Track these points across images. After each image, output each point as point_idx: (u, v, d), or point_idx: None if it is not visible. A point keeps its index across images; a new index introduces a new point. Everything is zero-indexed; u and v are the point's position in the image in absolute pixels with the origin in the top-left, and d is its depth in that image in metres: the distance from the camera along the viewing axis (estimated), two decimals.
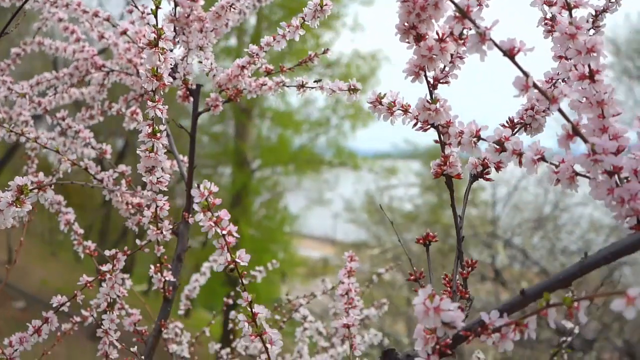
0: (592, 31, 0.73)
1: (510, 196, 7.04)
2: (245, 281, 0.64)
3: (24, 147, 1.28)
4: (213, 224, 0.61)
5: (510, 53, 0.50)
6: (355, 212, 10.84)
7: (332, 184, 12.18)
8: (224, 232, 0.61)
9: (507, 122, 0.68)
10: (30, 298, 7.42)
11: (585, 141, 0.50)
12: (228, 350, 1.33)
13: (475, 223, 7.65)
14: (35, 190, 0.65)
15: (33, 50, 1.31)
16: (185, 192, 0.98)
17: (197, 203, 0.60)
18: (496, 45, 0.49)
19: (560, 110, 0.50)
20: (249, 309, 0.64)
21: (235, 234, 0.62)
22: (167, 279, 0.96)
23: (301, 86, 0.94)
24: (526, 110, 0.68)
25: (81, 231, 1.08)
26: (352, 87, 0.82)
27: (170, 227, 0.89)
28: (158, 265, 0.94)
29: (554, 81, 0.68)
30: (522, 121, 0.68)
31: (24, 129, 0.98)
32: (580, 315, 0.45)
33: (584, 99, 0.54)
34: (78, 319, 1.09)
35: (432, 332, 0.52)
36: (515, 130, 0.68)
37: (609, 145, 0.49)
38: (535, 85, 0.50)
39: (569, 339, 1.08)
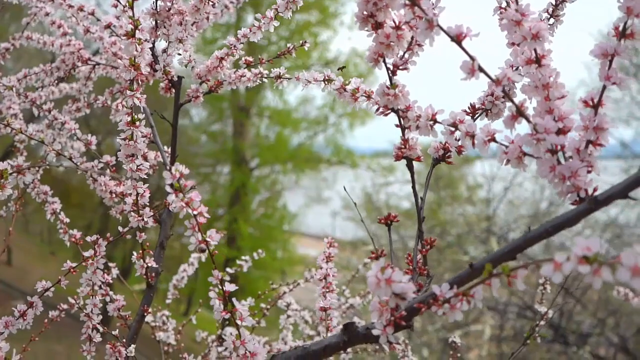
0: (552, 20, 0.76)
1: (505, 192, 7.06)
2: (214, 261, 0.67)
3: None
4: (184, 205, 0.63)
5: (457, 38, 0.52)
6: (352, 209, 10.88)
7: (330, 182, 12.21)
8: (195, 212, 0.64)
9: (468, 107, 0.71)
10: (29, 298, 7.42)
11: (529, 121, 0.53)
12: (213, 337, 1.36)
13: (472, 220, 7.69)
14: (15, 174, 0.68)
15: (31, 50, 1.34)
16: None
17: (169, 185, 0.63)
18: (444, 31, 0.52)
19: (505, 93, 0.53)
20: (219, 287, 0.67)
21: (206, 215, 0.65)
22: (149, 265, 0.98)
23: (278, 77, 0.97)
24: (487, 96, 0.70)
25: (67, 220, 1.10)
26: (326, 78, 0.85)
27: (151, 214, 0.92)
28: (140, 252, 0.97)
29: (513, 68, 0.71)
30: (482, 107, 0.71)
31: (9, 119, 1.00)
32: (519, 284, 0.48)
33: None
34: (65, 306, 1.11)
35: (387, 305, 0.55)
36: (477, 115, 0.71)
37: (551, 125, 0.52)
38: (480, 69, 0.52)
39: (542, 322, 1.11)
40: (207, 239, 0.65)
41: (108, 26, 1.08)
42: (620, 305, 5.93)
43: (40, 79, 1.20)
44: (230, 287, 0.67)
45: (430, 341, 5.56)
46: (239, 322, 0.67)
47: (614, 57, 0.54)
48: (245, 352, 0.66)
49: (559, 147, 0.53)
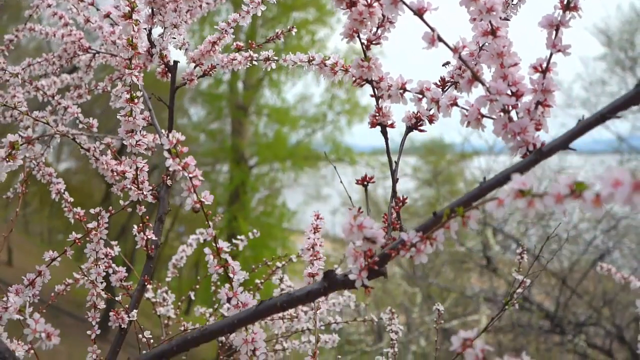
0: (516, 0, 0.82)
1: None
2: (210, 222, 0.74)
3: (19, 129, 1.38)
4: (181, 168, 0.70)
5: (419, 12, 0.59)
6: (352, 207, 10.93)
7: (329, 180, 12.27)
8: (191, 175, 0.71)
9: (439, 80, 0.78)
10: None
11: (484, 85, 0.60)
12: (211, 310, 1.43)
13: None
14: (25, 145, 0.75)
15: (30, 52, 1.41)
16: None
17: (166, 150, 0.70)
18: (407, 5, 0.59)
19: (461, 59, 0.60)
20: (213, 244, 0.73)
21: (201, 178, 0.71)
22: (149, 237, 1.05)
23: (267, 59, 1.03)
24: (455, 69, 0.77)
25: (71, 199, 1.17)
26: (311, 58, 0.92)
27: (150, 187, 0.99)
28: (141, 225, 1.04)
29: (480, 44, 0.78)
30: (452, 79, 0.77)
31: (16, 104, 1.07)
32: (472, 224, 0.55)
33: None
34: (79, 276, 1.18)
35: (360, 251, 0.62)
36: (447, 87, 0.78)
37: (502, 87, 0.59)
38: (439, 39, 0.59)
39: (520, 290, 1.18)
40: (202, 199, 0.72)
41: (107, 15, 1.14)
42: (615, 295, 6.01)
43: (43, 68, 1.26)
44: (223, 244, 0.74)
45: (427, 332, 5.64)
46: (231, 275, 0.74)
47: (559, 27, 0.61)
48: (238, 303, 0.73)
49: (510, 107, 0.60)
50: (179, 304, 1.41)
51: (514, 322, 6.04)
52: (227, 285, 0.74)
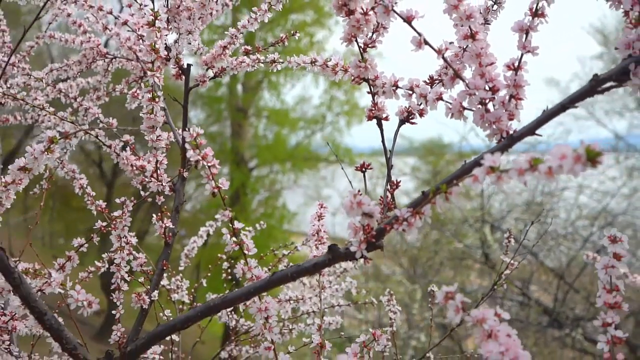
0: (495, 7, 0.93)
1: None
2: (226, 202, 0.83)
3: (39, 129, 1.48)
4: (201, 158, 0.80)
5: (408, 20, 0.69)
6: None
7: (329, 181, 12.37)
8: (210, 164, 0.81)
9: (428, 78, 0.88)
10: None
11: (464, 81, 0.70)
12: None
13: (467, 212, 7.87)
14: (63, 139, 0.85)
15: (38, 50, 1.51)
16: (180, 154, 1.18)
17: (187, 142, 0.80)
18: (397, 14, 0.69)
19: (444, 59, 0.70)
20: (230, 225, 0.83)
21: (218, 166, 0.81)
22: (167, 226, 1.15)
23: (273, 61, 1.13)
24: (442, 69, 0.87)
25: (93, 193, 1.27)
26: (313, 60, 1.02)
27: (169, 179, 1.09)
28: (159, 214, 1.14)
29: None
30: (439, 77, 0.87)
31: (43, 104, 1.17)
32: (454, 198, 0.64)
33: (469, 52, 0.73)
34: (92, 268, 1.28)
35: (360, 226, 0.71)
36: (435, 84, 0.88)
37: (479, 83, 0.69)
38: (426, 42, 0.69)
39: (507, 272, 1.27)
40: (220, 185, 0.82)
41: (125, 23, 1.25)
42: None
43: (65, 71, 1.36)
44: (238, 225, 0.84)
45: (428, 328, 5.73)
46: (246, 252, 0.83)
47: (529, 31, 0.71)
48: (252, 277, 0.83)
49: (487, 100, 0.70)
50: (192, 290, 1.51)
51: (512, 318, 6.13)
52: (242, 261, 0.83)
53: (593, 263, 1.97)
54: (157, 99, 0.94)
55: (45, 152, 0.85)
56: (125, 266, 1.11)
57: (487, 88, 0.70)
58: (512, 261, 1.27)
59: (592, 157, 0.46)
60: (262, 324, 0.81)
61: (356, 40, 0.79)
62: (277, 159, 11.66)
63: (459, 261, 6.71)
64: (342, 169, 1.21)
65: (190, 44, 1.08)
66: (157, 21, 0.89)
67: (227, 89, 11.43)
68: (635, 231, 7.64)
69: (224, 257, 1.58)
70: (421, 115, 0.85)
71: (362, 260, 0.74)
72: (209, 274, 1.59)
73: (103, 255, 1.29)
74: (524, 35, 0.71)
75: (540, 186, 8.11)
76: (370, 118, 0.83)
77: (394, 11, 0.69)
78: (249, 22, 1.09)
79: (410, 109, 0.85)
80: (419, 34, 0.69)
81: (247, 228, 1.58)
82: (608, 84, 0.64)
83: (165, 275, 1.50)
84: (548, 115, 0.65)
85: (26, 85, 1.42)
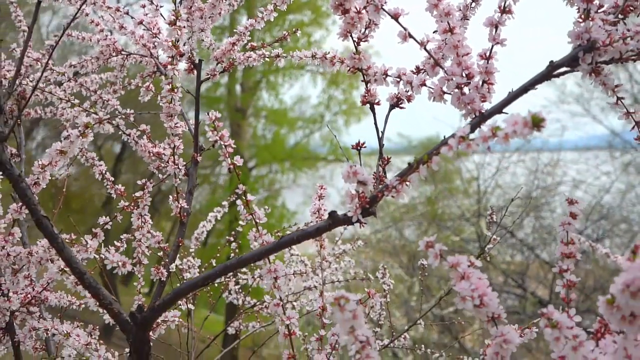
0: (474, 4, 1.05)
1: (494, 176, 7.38)
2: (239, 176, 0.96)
3: (61, 121, 1.60)
4: (218, 138, 0.92)
5: (395, 16, 0.81)
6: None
7: (327, 180, 12.48)
8: (226, 144, 0.93)
9: (415, 68, 1.00)
10: None
11: (443, 69, 0.82)
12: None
13: (465, 207, 8.01)
14: (97, 124, 0.97)
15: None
16: (193, 141, 1.30)
17: (207, 125, 0.92)
18: (386, 12, 0.81)
19: (426, 50, 0.82)
20: (244, 197, 0.96)
21: (233, 145, 0.93)
22: (182, 206, 1.27)
23: (277, 56, 1.26)
24: (426, 59, 0.99)
25: (112, 178, 1.39)
26: (313, 54, 1.14)
27: (184, 163, 1.21)
28: (175, 195, 1.26)
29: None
30: (424, 67, 0.99)
31: (68, 97, 1.29)
32: (434, 165, 0.76)
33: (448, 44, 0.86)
34: (119, 244, 1.39)
35: (356, 194, 0.84)
36: (420, 73, 1.00)
37: (456, 70, 0.81)
38: (410, 35, 0.81)
39: (490, 246, 1.39)
40: (235, 162, 0.94)
41: (140, 22, 1.37)
42: (606, 281, 6.24)
43: (84, 67, 1.48)
44: (251, 197, 0.96)
45: (425, 319, 5.87)
46: (257, 220, 0.96)
47: (498, 26, 0.83)
48: (263, 242, 0.95)
49: (463, 85, 0.82)
50: (203, 268, 1.63)
51: (510, 310, 6.27)
52: (254, 229, 0.96)
53: (586, 257, 2.09)
54: (175, 90, 1.07)
55: (80, 137, 0.98)
56: (147, 240, 1.23)
57: (463, 75, 0.83)
58: (494, 236, 1.39)
59: (536, 123, 0.59)
60: (272, 283, 0.93)
61: (351, 35, 0.91)
62: (276, 159, 11.77)
63: (455, 254, 6.83)
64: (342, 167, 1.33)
65: (203, 40, 1.20)
66: (178, 20, 1.01)
67: (226, 90, 11.54)
68: (629, 225, 7.79)
69: (231, 239, 1.70)
70: (409, 100, 0.97)
71: (357, 224, 0.86)
72: (218, 255, 1.71)
73: (122, 236, 1.41)
74: (494, 29, 0.83)
75: (537, 181, 8.26)
76: (364, 103, 0.95)
77: (383, 9, 0.81)
78: (256, 20, 1.21)
79: (399, 94, 0.97)
80: (405, 29, 0.82)
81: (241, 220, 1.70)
82: (563, 69, 0.77)
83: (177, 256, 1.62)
84: (512, 97, 0.77)
85: (46, 80, 1.54)
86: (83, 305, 1.29)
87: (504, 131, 0.63)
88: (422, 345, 1.74)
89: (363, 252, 7.22)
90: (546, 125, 0.59)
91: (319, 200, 1.28)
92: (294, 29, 1.30)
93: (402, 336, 1.63)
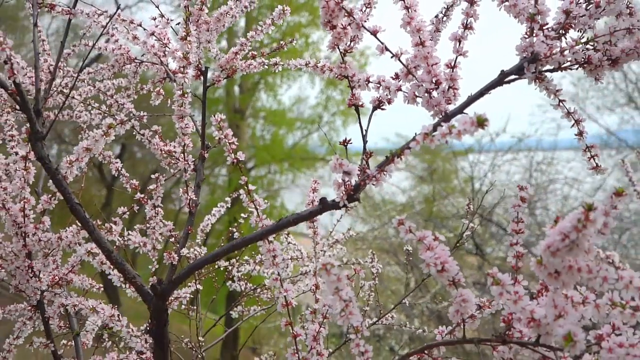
0: (445, 18, 1.20)
1: (486, 174, 7.54)
2: (243, 171, 1.11)
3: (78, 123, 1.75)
4: (223, 137, 1.08)
5: (374, 32, 0.97)
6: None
7: (326, 180, 12.61)
8: (230, 141, 1.08)
9: (394, 74, 1.15)
10: None
11: (414, 76, 0.98)
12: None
13: (460, 206, 8.16)
14: (119, 125, 1.12)
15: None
16: (200, 140, 1.45)
17: (213, 125, 1.07)
18: (366, 29, 0.97)
19: (400, 60, 0.98)
20: (246, 187, 1.11)
21: (236, 143, 1.09)
22: (191, 197, 1.43)
23: (275, 64, 1.41)
24: (402, 68, 1.15)
25: (127, 174, 1.54)
26: (307, 62, 1.30)
27: (193, 159, 1.36)
28: (185, 187, 1.42)
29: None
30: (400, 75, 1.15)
31: (89, 100, 1.44)
32: (404, 157, 0.92)
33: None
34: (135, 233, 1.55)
35: (342, 183, 0.99)
36: (397, 79, 1.15)
37: (425, 77, 0.97)
38: (386, 49, 0.97)
39: (468, 233, 1.55)
40: (237, 157, 1.09)
41: (152, 33, 1.52)
42: None
43: (101, 74, 1.63)
44: (252, 187, 1.12)
45: (421, 314, 6.02)
46: (258, 207, 1.11)
47: (461, 40, 0.98)
48: (262, 225, 1.10)
49: (431, 90, 0.97)
50: None
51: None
52: (255, 214, 1.11)
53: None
54: (185, 95, 1.22)
55: (104, 136, 1.13)
56: (159, 228, 1.38)
57: (432, 81, 0.98)
58: (472, 224, 1.54)
59: (480, 122, 0.74)
60: (271, 261, 1.09)
61: (338, 47, 1.06)
62: (275, 159, 11.91)
63: (449, 251, 6.99)
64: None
65: (210, 51, 1.35)
66: (188, 35, 1.17)
67: (224, 91, 11.68)
68: (621, 221, 7.95)
69: (235, 230, 1.86)
70: (389, 102, 1.13)
71: (344, 209, 1.02)
72: (223, 240, 1.85)
73: (135, 227, 1.56)
74: (458, 43, 0.99)
75: (531, 179, 8.42)
76: (350, 105, 1.11)
77: (364, 27, 0.97)
78: (256, 33, 1.37)
79: (380, 98, 1.13)
80: (382, 43, 0.97)
81: (242, 216, 1.86)
82: (512, 77, 0.92)
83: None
84: (471, 100, 0.93)
85: (65, 85, 1.69)
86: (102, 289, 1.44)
87: (457, 129, 0.78)
88: (411, 326, 1.89)
89: (360, 250, 7.38)
90: (489, 125, 0.74)
91: (314, 193, 1.43)
92: (289, 40, 1.45)
93: (390, 315, 1.78)
